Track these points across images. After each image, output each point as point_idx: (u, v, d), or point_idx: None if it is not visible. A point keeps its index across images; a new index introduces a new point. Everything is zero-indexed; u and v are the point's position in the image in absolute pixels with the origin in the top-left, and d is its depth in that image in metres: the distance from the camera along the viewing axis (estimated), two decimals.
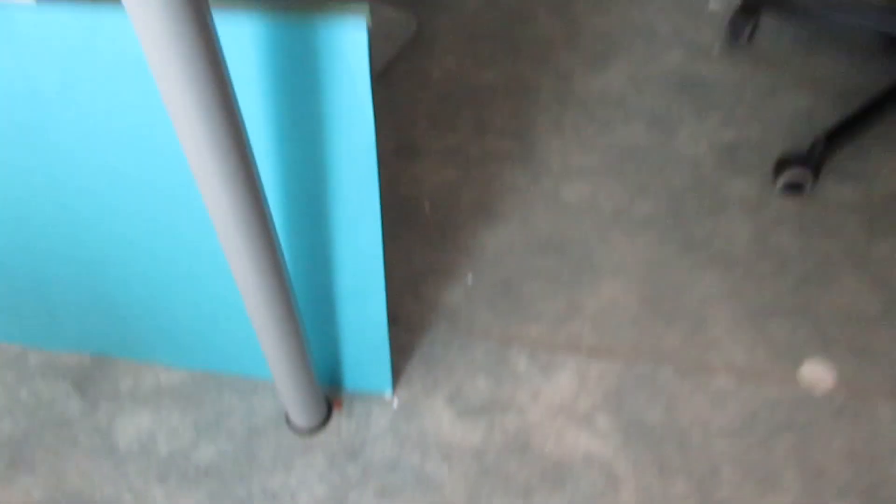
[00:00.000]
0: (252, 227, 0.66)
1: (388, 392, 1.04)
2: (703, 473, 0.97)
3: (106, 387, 1.07)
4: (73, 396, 1.06)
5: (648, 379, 1.05)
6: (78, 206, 0.82)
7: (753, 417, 1.01)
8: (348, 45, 0.62)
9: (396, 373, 1.06)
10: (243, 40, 0.62)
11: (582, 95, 1.41)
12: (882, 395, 1.02)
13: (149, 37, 0.50)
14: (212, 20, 0.52)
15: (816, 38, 1.49)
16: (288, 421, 1.01)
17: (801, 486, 0.95)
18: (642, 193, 1.26)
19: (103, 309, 0.99)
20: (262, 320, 0.79)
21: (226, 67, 0.55)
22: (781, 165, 1.22)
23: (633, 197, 1.25)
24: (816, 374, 1.04)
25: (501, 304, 1.13)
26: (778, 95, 1.39)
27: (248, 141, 0.61)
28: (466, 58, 1.49)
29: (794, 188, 1.22)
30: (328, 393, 1.03)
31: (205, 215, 0.65)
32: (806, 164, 1.20)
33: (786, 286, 1.14)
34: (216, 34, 0.53)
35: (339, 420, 1.02)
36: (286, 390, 0.93)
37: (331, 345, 0.98)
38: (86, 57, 0.66)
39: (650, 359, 1.07)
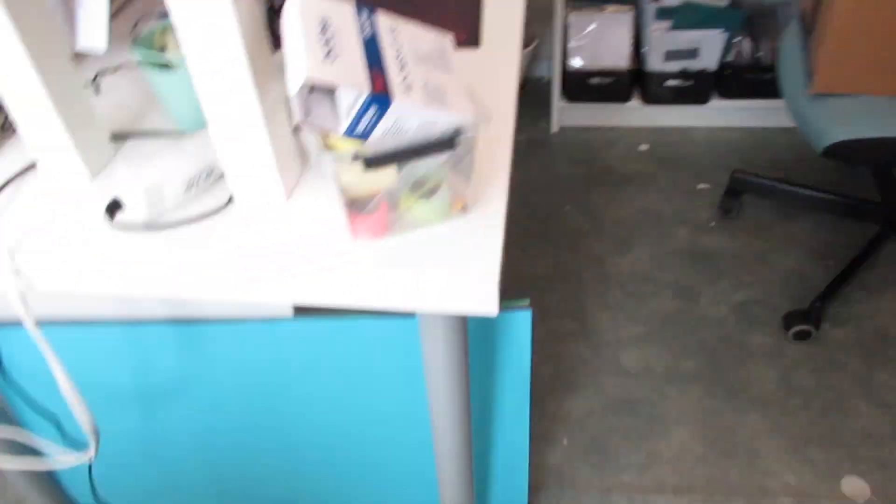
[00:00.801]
0: (459, 432, 0.95)
1: None
2: None
3: None
4: None
5: None
6: (296, 433, 1.10)
7: None
8: (521, 322, 0.94)
9: None
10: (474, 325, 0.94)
11: (616, 275, 1.76)
12: None
13: (428, 339, 0.81)
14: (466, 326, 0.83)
15: (791, 207, 1.87)
16: None
17: None
18: (684, 353, 1.57)
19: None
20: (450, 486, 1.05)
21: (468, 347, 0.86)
22: (790, 320, 1.55)
23: (678, 357, 1.57)
24: (855, 487, 1.32)
25: (595, 459, 1.40)
26: (770, 259, 1.75)
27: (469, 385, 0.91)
28: (517, 252, 1.84)
29: (803, 336, 1.55)
30: None
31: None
32: (808, 318, 1.53)
33: (813, 417, 1.44)
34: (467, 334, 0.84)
35: None
36: None
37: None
38: (325, 352, 0.95)
39: (723, 491, 1.34)
